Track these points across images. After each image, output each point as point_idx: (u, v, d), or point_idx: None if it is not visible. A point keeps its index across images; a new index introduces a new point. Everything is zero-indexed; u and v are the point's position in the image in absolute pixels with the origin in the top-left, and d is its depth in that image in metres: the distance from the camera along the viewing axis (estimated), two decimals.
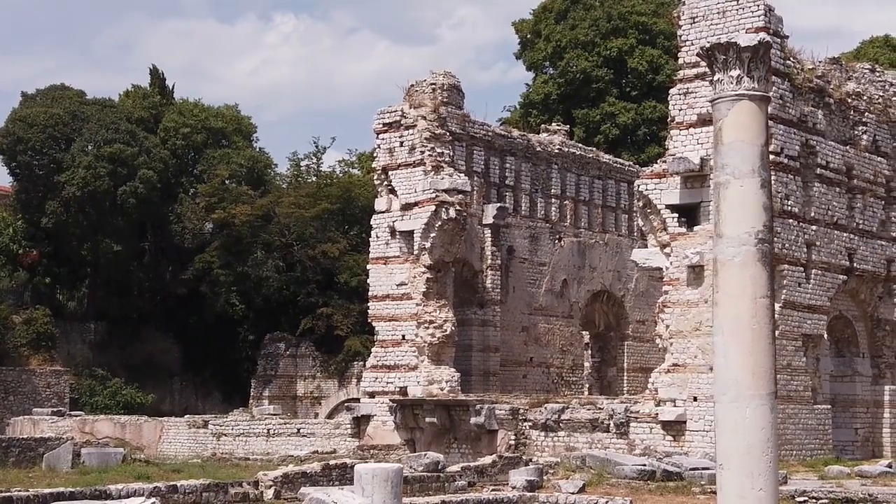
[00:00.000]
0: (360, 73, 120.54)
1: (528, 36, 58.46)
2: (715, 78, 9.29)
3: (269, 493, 18.40)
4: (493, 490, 19.45)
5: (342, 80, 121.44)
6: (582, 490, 19.55)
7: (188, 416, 41.32)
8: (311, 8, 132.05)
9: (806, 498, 18.37)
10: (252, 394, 50.04)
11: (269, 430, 35.66)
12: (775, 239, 26.08)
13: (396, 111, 33.50)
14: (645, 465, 21.71)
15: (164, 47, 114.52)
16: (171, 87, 60.89)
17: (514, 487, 19.93)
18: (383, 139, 33.85)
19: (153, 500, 12.15)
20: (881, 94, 30.47)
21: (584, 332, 40.07)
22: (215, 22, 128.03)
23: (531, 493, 19.09)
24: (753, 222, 9.03)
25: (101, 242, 52.25)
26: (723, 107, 9.27)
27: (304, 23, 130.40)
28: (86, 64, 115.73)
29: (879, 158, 29.90)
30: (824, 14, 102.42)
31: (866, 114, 29.49)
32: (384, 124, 33.75)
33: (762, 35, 8.96)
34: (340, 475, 23.13)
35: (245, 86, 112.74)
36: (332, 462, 23.44)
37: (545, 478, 21.27)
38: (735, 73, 9.10)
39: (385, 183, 33.71)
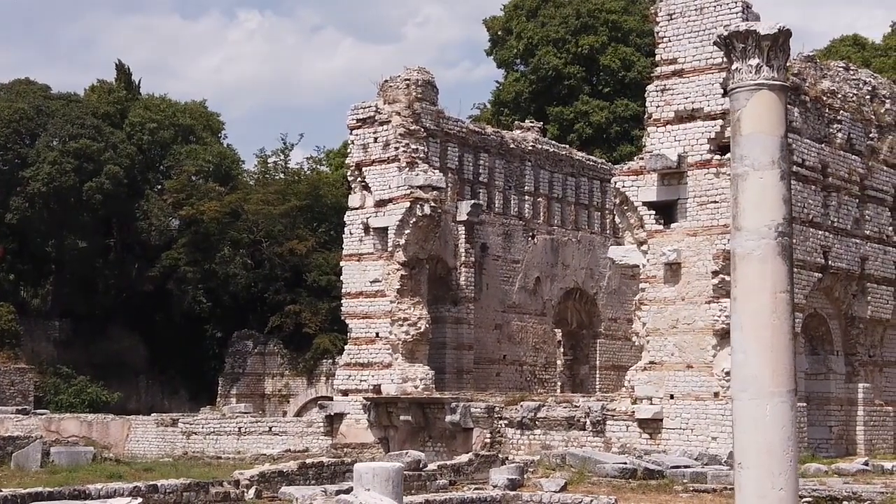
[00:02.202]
0: (326, 71, 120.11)
1: (500, 33, 58.30)
2: (733, 67, 9.10)
3: (251, 493, 18.09)
4: (476, 489, 19.22)
5: (307, 77, 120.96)
6: (563, 488, 19.37)
7: (155, 414, 40.87)
8: (276, 5, 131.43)
9: None
10: (219, 392, 49.67)
11: (240, 428, 35.28)
12: None
13: (370, 107, 33.19)
14: (626, 463, 21.58)
15: (128, 43, 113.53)
16: (137, 83, 60.22)
17: (495, 486, 19.72)
18: (357, 135, 33.53)
19: (139, 500, 11.86)
20: (855, 92, 30.52)
21: (556, 330, 39.95)
22: (179, 18, 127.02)
23: (514, 492, 18.89)
24: (773, 215, 8.84)
25: (66, 239, 51.62)
26: (741, 96, 9.08)
27: (268, 20, 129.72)
28: (50, 58, 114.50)
29: (854, 156, 29.95)
30: (787, 15, 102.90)
31: (841, 112, 29.53)
32: (358, 120, 33.43)
33: (782, 23, 8.82)
34: (317, 474, 22.90)
35: (209, 82, 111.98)
36: (308, 461, 23.20)
37: (525, 476, 21.10)
38: (754, 61, 8.92)
39: (359, 179, 33.40)
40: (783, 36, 8.93)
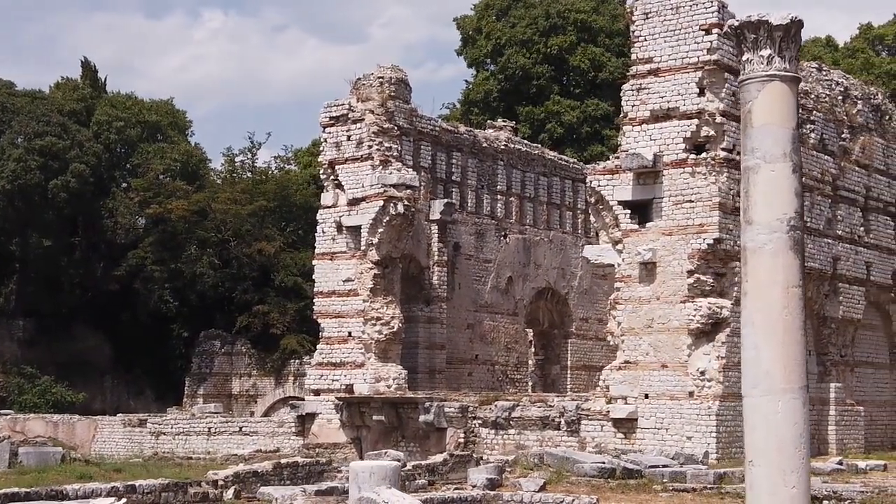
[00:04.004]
0: (290, 71, 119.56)
1: (470, 33, 58.20)
2: (744, 58, 8.97)
3: (229, 493, 17.85)
4: (456, 489, 19.08)
5: (272, 77, 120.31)
6: (543, 488, 19.27)
7: (121, 414, 40.48)
8: (240, 5, 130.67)
9: None
10: (186, 392, 49.24)
11: (209, 428, 34.98)
12: (727, 236, 26.20)
13: (343, 105, 32.95)
14: (604, 462, 21.50)
15: (93, 41, 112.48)
16: (102, 80, 59.59)
17: (474, 486, 19.59)
18: (330, 133, 33.27)
19: (123, 500, 11.61)
20: (828, 93, 30.64)
21: (528, 330, 39.86)
22: (143, 17, 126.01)
23: (493, 492, 18.76)
24: (785, 208, 8.72)
25: (30, 237, 51.01)
26: (752, 88, 8.95)
27: (232, 19, 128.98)
28: (13, 55, 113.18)
29: (826, 157, 30.06)
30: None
31: (814, 112, 29.63)
32: (330, 118, 33.17)
33: (794, 13, 8.71)
34: (292, 474, 22.71)
35: (174, 81, 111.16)
36: (283, 461, 23.00)
37: (503, 476, 20.97)
38: (766, 52, 8.79)
39: (331, 177, 33.14)
40: (795, 26, 8.82)
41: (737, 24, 8.90)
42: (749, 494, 8.45)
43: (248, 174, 57.59)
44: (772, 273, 8.73)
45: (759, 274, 8.81)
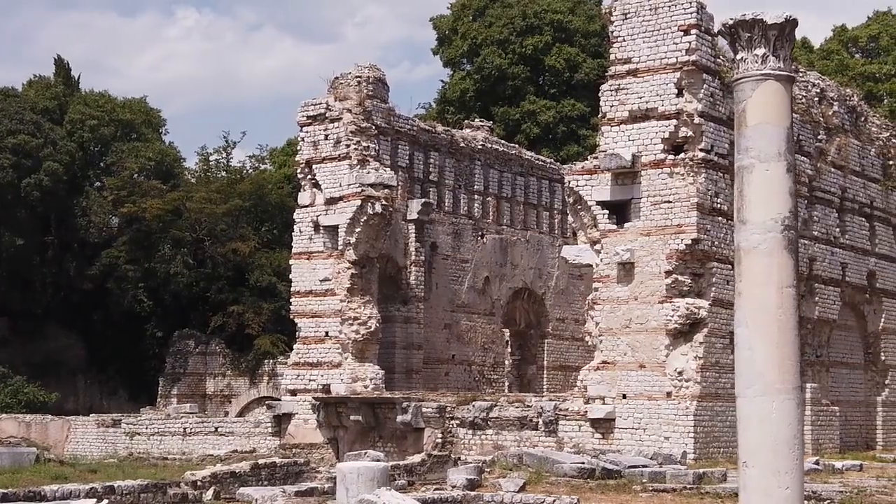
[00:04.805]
0: (265, 70, 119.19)
1: (446, 32, 58.17)
2: (738, 57, 8.94)
3: (209, 494, 17.71)
4: (436, 489, 18.99)
5: (246, 76, 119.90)
6: (523, 488, 19.20)
7: (95, 415, 40.23)
8: (214, 3, 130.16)
9: None
10: (160, 392, 49.00)
11: (185, 428, 34.80)
12: (705, 237, 26.26)
13: (321, 104, 32.81)
14: (583, 462, 21.45)
15: (65, 39, 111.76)
16: (76, 78, 59.19)
17: (453, 486, 19.50)
18: (307, 132, 33.12)
19: (105, 502, 11.48)
20: (804, 94, 30.76)
21: (504, 330, 39.84)
22: (116, 15, 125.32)
23: (474, 493, 18.68)
24: (780, 208, 8.70)
25: (3, 236, 50.59)
26: (746, 87, 8.92)
27: (206, 18, 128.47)
28: None
29: (802, 158, 30.15)
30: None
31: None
32: (308, 117, 33.03)
33: (788, 12, 8.70)
34: (270, 475, 22.53)
35: (148, 80, 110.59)
36: (261, 461, 22.83)
37: (482, 476, 20.89)
38: (760, 51, 8.76)
39: (308, 177, 33.00)
40: (790, 25, 8.81)
41: (731, 22, 8.88)
42: (742, 495, 8.43)
43: (223, 173, 57.36)
44: (766, 273, 8.70)
45: (753, 274, 8.78)
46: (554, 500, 17.31)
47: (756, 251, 8.71)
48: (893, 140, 35.19)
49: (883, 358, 33.66)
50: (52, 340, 52.26)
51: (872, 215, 33.64)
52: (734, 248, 9.00)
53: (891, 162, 34.78)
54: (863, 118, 33.72)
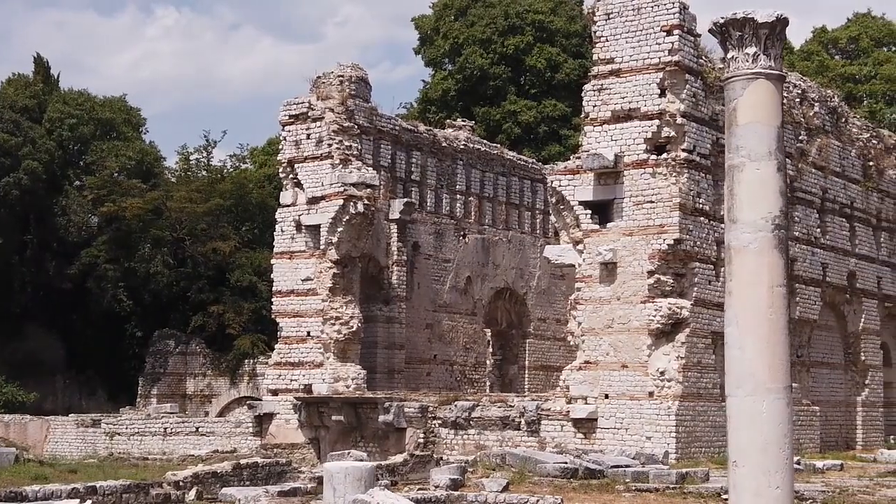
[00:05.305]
0: (245, 69, 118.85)
1: (428, 32, 58.13)
2: (728, 56, 8.92)
3: (191, 494, 17.62)
4: (419, 489, 18.95)
5: (226, 75, 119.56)
6: (506, 488, 19.19)
7: (74, 415, 39.99)
8: (193, 2, 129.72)
9: None
10: (139, 392, 48.76)
11: (165, 429, 34.62)
12: (688, 237, 26.31)
13: (303, 103, 32.71)
14: (566, 462, 21.46)
15: (43, 37, 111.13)
16: (55, 77, 58.84)
17: (436, 486, 19.47)
18: (289, 131, 33.01)
19: (89, 502, 11.40)
20: (785, 95, 30.71)
21: (486, 330, 39.82)
22: (94, 14, 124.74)
23: (457, 493, 18.65)
24: (770, 207, 8.69)
25: None
26: (737, 86, 8.90)
27: (185, 17, 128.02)
28: None
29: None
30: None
31: None
32: (290, 116, 32.92)
33: (779, 11, 8.69)
34: (252, 475, 22.47)
35: (127, 79, 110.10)
36: (243, 461, 22.76)
37: (465, 476, 20.87)
38: (751, 50, 8.74)
39: (290, 176, 32.89)
40: (780, 24, 8.80)
41: (722, 21, 8.86)
42: (732, 494, 8.41)
43: (204, 173, 57.10)
44: (757, 272, 8.69)
45: (743, 273, 8.77)
46: (537, 500, 17.29)
47: (747, 250, 8.70)
48: (873, 141, 35.36)
49: (863, 358, 33.81)
50: (31, 340, 51.93)
51: (852, 216, 33.79)
52: (724, 247, 8.99)
53: (870, 163, 34.94)
54: (843, 119, 33.85)
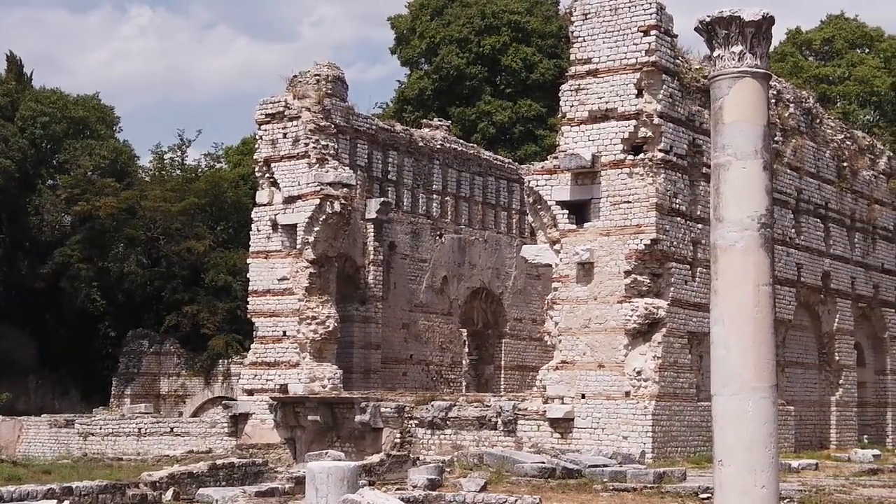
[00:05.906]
0: (220, 69, 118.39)
1: (404, 32, 58.07)
2: (714, 54, 8.91)
3: (168, 495, 17.51)
4: (397, 489, 18.91)
5: (201, 74, 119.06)
6: (484, 488, 19.17)
7: (47, 415, 39.70)
8: (168, 1, 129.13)
9: (710, 494, 18.30)
10: (113, 392, 48.49)
11: (140, 429, 34.41)
12: (664, 237, 26.36)
13: (279, 102, 32.59)
14: (544, 462, 21.46)
15: (15, 35, 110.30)
16: (28, 75, 58.45)
17: (414, 486, 19.42)
18: (265, 130, 32.88)
19: (67, 502, 11.29)
20: None
21: (462, 330, 39.80)
22: (67, 12, 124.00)
23: (436, 493, 18.61)
24: (756, 206, 8.69)
25: None
26: (723, 84, 8.89)
27: (160, 16, 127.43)
28: None
29: None
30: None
31: None
32: (266, 115, 32.80)
33: (766, 10, 8.69)
34: (228, 475, 22.33)
35: (100, 77, 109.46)
36: (219, 462, 22.63)
37: (443, 476, 20.84)
38: (737, 48, 8.74)
39: (266, 175, 32.76)
40: (767, 23, 8.80)
41: (708, 19, 8.86)
42: (718, 494, 8.42)
43: (178, 172, 56.82)
44: (743, 271, 8.69)
45: (729, 272, 8.77)
46: (516, 500, 17.27)
47: (733, 249, 8.71)
48: (847, 142, 35.55)
49: (837, 358, 33.98)
50: (4, 339, 51.52)
51: (827, 216, 33.95)
52: (710, 246, 8.99)
53: (844, 164, 35.13)
54: (818, 120, 34.01)
